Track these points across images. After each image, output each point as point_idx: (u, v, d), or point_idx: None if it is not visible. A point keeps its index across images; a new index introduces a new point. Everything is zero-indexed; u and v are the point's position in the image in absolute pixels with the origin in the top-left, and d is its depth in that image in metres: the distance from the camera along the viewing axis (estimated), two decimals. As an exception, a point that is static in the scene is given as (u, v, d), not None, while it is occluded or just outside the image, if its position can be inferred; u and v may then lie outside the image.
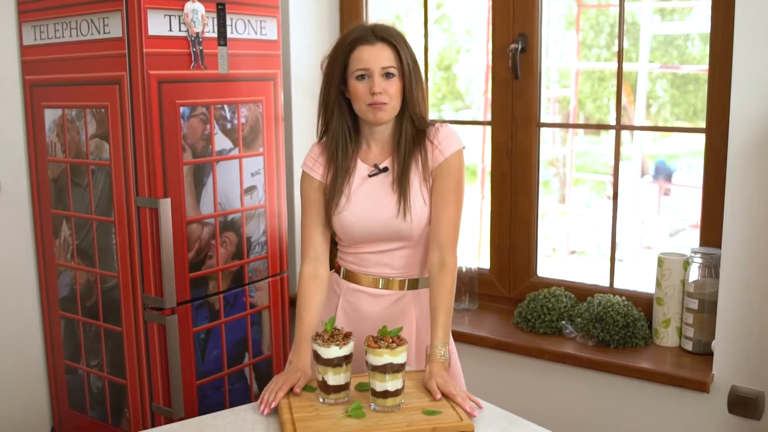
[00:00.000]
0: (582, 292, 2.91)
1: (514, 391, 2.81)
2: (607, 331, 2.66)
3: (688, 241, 6.33)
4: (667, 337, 2.66)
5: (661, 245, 6.25)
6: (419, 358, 2.11)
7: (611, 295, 2.76)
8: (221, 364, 2.84)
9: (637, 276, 5.55)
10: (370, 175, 2.03)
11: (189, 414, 2.68)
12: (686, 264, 2.61)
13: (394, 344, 1.77)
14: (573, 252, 6.84)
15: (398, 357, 1.76)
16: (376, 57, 1.93)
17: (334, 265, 2.19)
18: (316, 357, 1.82)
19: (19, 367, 3.02)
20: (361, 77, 1.95)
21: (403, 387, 1.79)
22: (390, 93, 1.94)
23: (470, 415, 1.76)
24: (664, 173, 7.35)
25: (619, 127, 2.87)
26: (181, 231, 2.62)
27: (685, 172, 7.36)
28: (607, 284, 2.91)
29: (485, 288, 3.15)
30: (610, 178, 6.56)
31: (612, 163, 2.92)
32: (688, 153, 7.65)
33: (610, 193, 6.50)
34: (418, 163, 2.01)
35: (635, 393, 2.58)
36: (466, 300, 3.09)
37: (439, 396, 1.82)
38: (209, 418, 1.85)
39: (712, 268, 2.54)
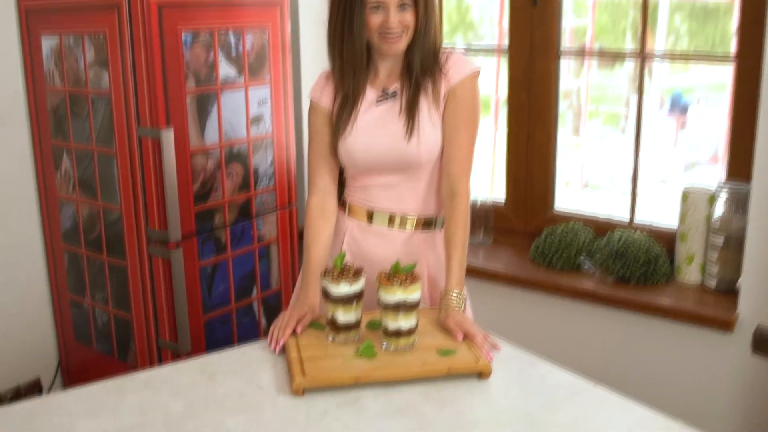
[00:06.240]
0: (601, 227, 2.81)
1: (529, 328, 2.74)
2: (628, 267, 2.57)
3: (704, 175, 6.23)
4: (690, 274, 2.57)
5: (677, 179, 6.15)
6: (433, 304, 2.02)
7: (632, 231, 2.66)
8: (228, 298, 2.78)
9: (653, 210, 5.46)
10: (378, 101, 1.95)
11: (196, 349, 2.63)
12: (712, 199, 2.51)
13: (408, 281, 1.69)
14: (586, 185, 6.74)
15: (412, 295, 1.68)
16: None
17: (341, 202, 2.10)
18: (326, 294, 1.74)
19: (24, 300, 2.98)
20: (376, 8, 1.85)
21: (416, 326, 1.72)
22: (405, 24, 1.87)
23: (488, 359, 1.68)
24: (679, 107, 7.21)
25: (643, 56, 2.74)
26: (185, 162, 2.53)
27: (701, 105, 7.21)
28: (625, 219, 2.81)
29: (500, 222, 3.05)
30: (625, 111, 6.43)
31: (626, 95, 2.80)
32: (705, 86, 7.48)
33: (624, 126, 6.34)
34: (428, 89, 1.93)
35: (656, 331, 2.51)
36: (481, 234, 3.00)
37: (461, 337, 1.74)
38: (215, 357, 1.79)
39: (739, 202, 2.44)
